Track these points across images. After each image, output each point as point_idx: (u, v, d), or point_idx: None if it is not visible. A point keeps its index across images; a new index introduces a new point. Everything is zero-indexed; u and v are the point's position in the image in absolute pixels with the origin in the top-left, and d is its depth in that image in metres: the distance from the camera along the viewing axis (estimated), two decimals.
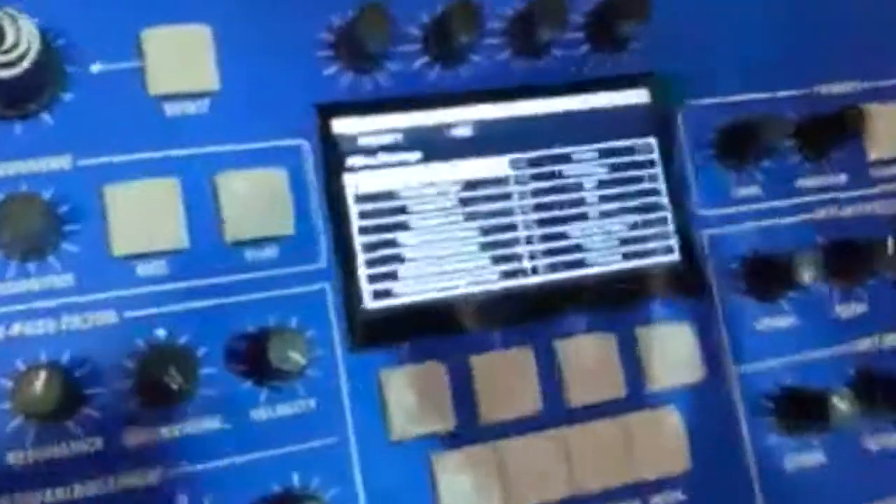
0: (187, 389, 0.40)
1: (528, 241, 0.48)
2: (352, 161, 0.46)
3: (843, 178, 0.53)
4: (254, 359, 0.43)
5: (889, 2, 0.55)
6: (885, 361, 0.52)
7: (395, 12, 0.46)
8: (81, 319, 0.42)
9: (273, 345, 0.41)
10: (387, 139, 0.47)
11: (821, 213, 0.53)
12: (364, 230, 0.46)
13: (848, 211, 0.53)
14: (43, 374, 0.38)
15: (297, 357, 0.41)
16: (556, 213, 0.49)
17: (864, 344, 0.52)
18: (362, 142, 0.47)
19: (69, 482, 0.40)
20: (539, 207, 0.49)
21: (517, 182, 0.49)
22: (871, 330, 0.52)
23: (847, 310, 0.52)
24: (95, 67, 0.44)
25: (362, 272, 0.46)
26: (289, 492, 0.42)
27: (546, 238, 0.49)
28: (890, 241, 0.49)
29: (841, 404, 0.47)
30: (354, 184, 0.46)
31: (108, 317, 0.42)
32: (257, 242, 0.44)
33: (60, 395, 0.39)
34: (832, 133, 0.51)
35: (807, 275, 0.48)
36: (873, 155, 0.54)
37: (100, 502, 0.41)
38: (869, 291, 0.52)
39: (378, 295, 0.46)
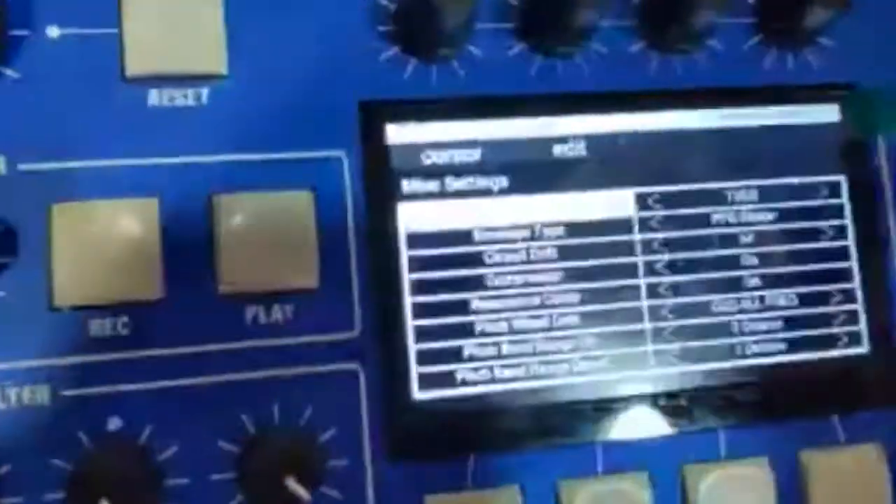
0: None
1: (655, 315, 0.34)
2: (410, 185, 0.32)
3: None
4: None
5: None
6: None
7: None
8: None
9: (267, 468, 0.27)
10: (461, 156, 0.33)
11: None
12: (420, 286, 0.32)
13: None
14: None
15: (295, 487, 0.27)
16: (698, 276, 0.34)
17: None
18: (426, 158, 0.33)
19: None
20: (673, 267, 0.34)
21: (644, 228, 0.34)
22: None
23: None
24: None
25: (411, 348, 0.32)
26: None
27: (679, 312, 0.34)
28: None
29: None
30: (411, 217, 0.32)
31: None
32: (263, 297, 0.31)
33: None
34: None
35: None
36: None
37: None
38: None
39: (432, 382, 0.32)
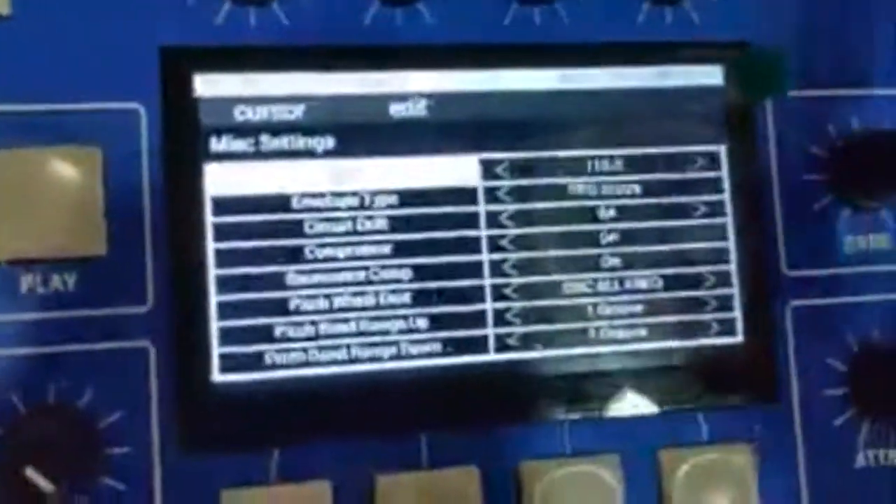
0: None
1: (499, 295, 0.30)
2: (219, 144, 0.29)
3: None
4: None
5: None
6: None
7: None
8: None
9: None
10: (280, 113, 0.29)
11: None
12: (224, 257, 0.29)
13: None
14: None
15: (36, 478, 0.24)
16: (549, 252, 0.31)
17: None
18: (239, 114, 0.29)
19: None
20: (520, 243, 0.30)
21: (490, 198, 0.30)
22: None
23: None
24: None
25: (213, 325, 0.28)
26: None
27: (526, 293, 0.30)
28: None
29: None
30: (217, 180, 0.29)
31: None
32: (41, 265, 0.27)
33: None
34: None
35: None
36: None
37: None
38: None
39: (236, 364, 0.28)
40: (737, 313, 0.31)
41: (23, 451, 0.25)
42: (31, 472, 0.24)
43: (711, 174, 0.32)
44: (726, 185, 0.32)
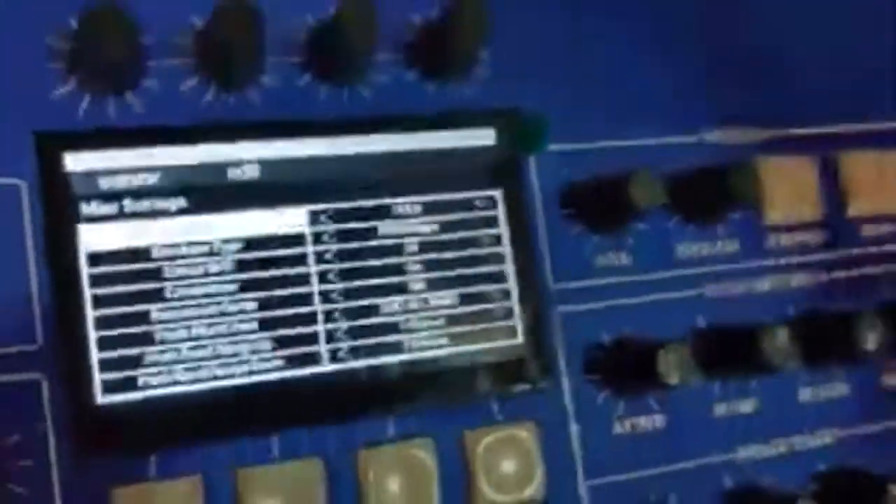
0: None
1: (328, 317, 0.37)
2: (88, 208, 0.35)
3: (734, 245, 0.44)
4: None
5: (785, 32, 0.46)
6: (780, 473, 0.42)
7: (153, 17, 0.35)
8: None
9: None
10: (138, 180, 0.36)
11: (704, 289, 0.43)
12: (99, 300, 0.35)
13: (738, 287, 0.43)
14: None
15: None
16: (367, 282, 0.38)
17: (751, 451, 0.42)
18: (104, 183, 0.36)
19: None
20: (344, 275, 0.38)
21: (316, 241, 0.38)
22: (760, 433, 0.43)
23: (729, 408, 0.42)
24: None
25: (93, 355, 0.34)
26: None
27: (351, 314, 0.38)
28: (781, 332, 0.40)
29: None
30: (91, 238, 0.35)
31: None
32: None
33: None
34: (718, 193, 0.42)
35: (675, 375, 0.38)
36: (769, 219, 0.44)
37: None
38: (757, 387, 0.43)
39: (115, 387, 0.35)
40: (517, 320, 0.40)
41: None
42: None
43: (491, 213, 0.40)
44: (502, 220, 0.40)
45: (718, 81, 0.44)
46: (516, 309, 0.40)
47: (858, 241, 0.46)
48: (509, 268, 0.40)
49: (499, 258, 0.40)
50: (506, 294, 0.40)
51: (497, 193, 0.41)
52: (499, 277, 0.40)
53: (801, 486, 0.42)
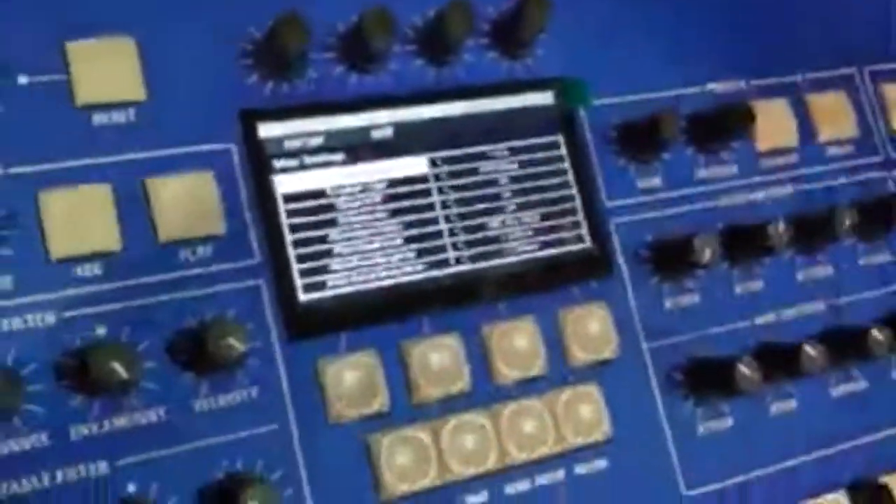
0: (131, 381, 0.42)
1: (451, 233, 0.51)
2: (279, 163, 0.49)
3: (734, 168, 0.58)
4: (194, 350, 0.44)
5: (765, 6, 0.61)
6: (783, 333, 0.56)
7: (312, 21, 0.49)
8: (21, 321, 0.43)
9: (211, 332, 0.43)
10: (311, 142, 0.50)
11: (717, 201, 0.57)
12: (294, 228, 0.48)
13: (742, 198, 0.58)
14: None
15: (235, 343, 0.43)
16: (475, 207, 0.52)
17: (764, 318, 0.56)
18: (287, 145, 0.49)
19: (17, 477, 0.41)
20: (459, 202, 0.52)
21: (437, 179, 0.52)
22: (769, 305, 0.57)
23: (746, 287, 0.56)
24: (22, 79, 0.45)
25: (294, 267, 0.48)
26: (233, 476, 0.44)
27: (467, 230, 0.52)
28: (780, 222, 0.54)
29: (747, 371, 0.51)
30: (282, 184, 0.49)
31: (48, 317, 0.43)
32: (189, 242, 0.46)
33: (5, 393, 0.40)
34: (720, 128, 0.56)
35: (706, 254, 0.52)
36: (761, 147, 0.59)
37: (48, 495, 0.42)
38: (764, 271, 0.57)
39: (310, 288, 0.48)
40: (584, 230, 0.54)
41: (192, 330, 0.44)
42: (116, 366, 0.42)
43: (557, 153, 0.54)
44: (565, 157, 0.54)
45: (714, 43, 0.59)
46: (582, 222, 0.54)
47: (825, 160, 0.60)
48: (574, 191, 0.54)
49: (566, 185, 0.54)
50: (573, 211, 0.54)
51: (559, 138, 0.55)
52: (568, 199, 0.54)
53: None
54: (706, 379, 0.53)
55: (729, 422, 0.54)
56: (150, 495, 0.43)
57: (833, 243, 0.57)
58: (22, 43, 0.46)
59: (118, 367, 0.40)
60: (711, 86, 0.58)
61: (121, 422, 0.43)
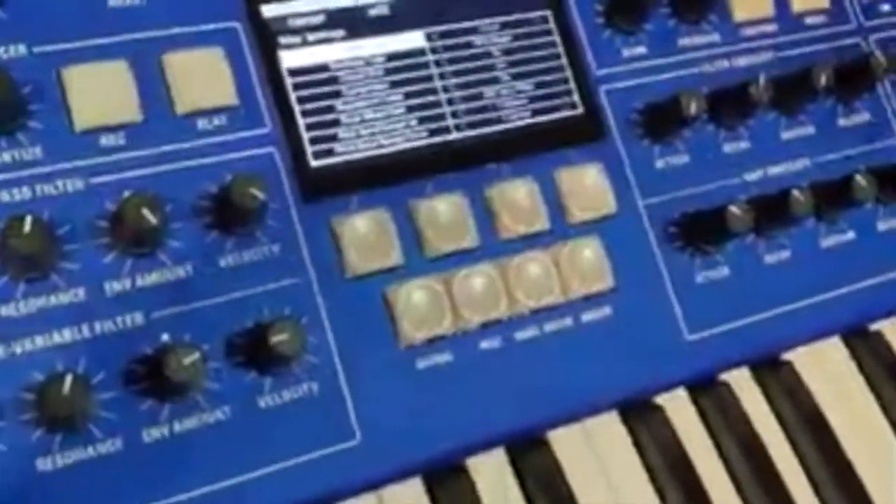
0: (160, 229, 0.44)
1: (450, 102, 0.54)
2: (283, 40, 0.52)
3: (716, 36, 0.61)
4: (218, 210, 0.47)
5: None
6: (771, 186, 0.59)
7: None
8: (52, 187, 0.45)
9: (234, 186, 0.45)
10: (312, 20, 0.52)
11: (700, 67, 0.60)
12: (301, 99, 0.51)
13: (724, 64, 0.60)
14: (28, 219, 0.41)
15: (256, 192, 0.45)
16: (471, 77, 0.55)
17: (752, 175, 0.59)
18: (291, 23, 0.52)
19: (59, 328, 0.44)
20: (455, 73, 0.54)
21: (433, 52, 0.54)
22: (756, 162, 0.59)
23: (733, 147, 0.59)
24: None
25: (304, 135, 0.51)
26: (261, 324, 0.46)
27: (464, 99, 0.54)
28: (761, 77, 0.56)
29: (737, 211, 0.54)
30: (288, 59, 0.51)
31: (77, 183, 0.46)
32: (206, 113, 0.49)
33: (43, 242, 0.42)
34: None
35: (692, 106, 0.55)
36: (737, 17, 0.62)
37: (88, 344, 0.44)
38: (750, 130, 0.60)
39: (320, 155, 0.51)
40: (576, 98, 0.57)
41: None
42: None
43: (546, 26, 0.57)
44: (554, 31, 0.57)
45: None
46: (573, 89, 0.57)
47: (800, 28, 0.63)
48: (564, 62, 0.57)
49: (557, 56, 0.57)
50: (565, 80, 0.57)
51: (548, 13, 0.57)
52: (559, 69, 0.57)
53: None
54: (701, 229, 0.56)
55: (725, 270, 0.57)
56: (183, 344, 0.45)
57: (813, 103, 0.60)
58: None
59: (149, 215, 0.43)
60: None
61: (153, 277, 0.46)
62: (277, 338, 0.44)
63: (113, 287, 0.45)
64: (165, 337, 0.45)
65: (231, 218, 0.47)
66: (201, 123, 0.49)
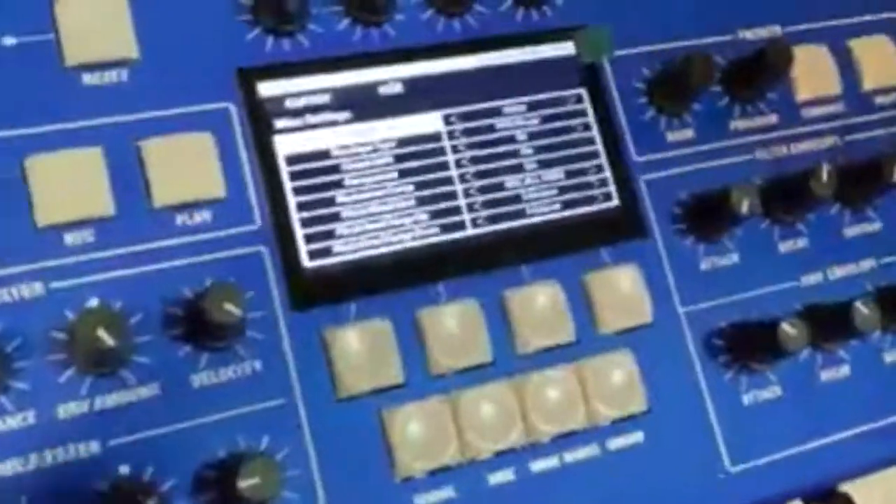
0: (122, 354, 0.39)
1: (466, 194, 0.48)
2: (280, 123, 0.46)
3: (774, 118, 0.54)
4: (191, 321, 0.42)
5: None
6: (832, 293, 0.52)
7: None
8: (6, 292, 0.40)
9: (208, 298, 0.40)
10: (315, 100, 0.47)
11: (755, 154, 0.53)
12: (298, 190, 0.45)
13: (782, 150, 0.53)
14: None
15: (232, 309, 0.40)
16: (492, 165, 0.49)
17: (811, 279, 0.52)
18: (289, 104, 0.46)
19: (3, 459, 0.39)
20: (475, 160, 0.48)
21: (451, 137, 0.48)
22: (815, 264, 0.52)
23: (789, 245, 0.52)
24: (9, 41, 0.43)
25: (298, 232, 0.45)
26: (234, 455, 0.41)
27: (484, 190, 0.48)
28: (824, 168, 0.49)
29: (791, 330, 0.47)
30: (284, 145, 0.46)
31: (35, 288, 0.41)
32: (187, 207, 0.43)
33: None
34: (757, 71, 0.52)
35: (745, 204, 0.48)
36: (801, 96, 0.55)
37: (35, 477, 0.39)
38: (810, 227, 0.53)
39: (316, 254, 0.45)
40: (611, 188, 0.50)
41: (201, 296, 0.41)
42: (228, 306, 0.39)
43: (580, 106, 0.51)
44: (589, 111, 0.51)
45: None
46: (609, 179, 0.50)
47: (871, 109, 0.56)
48: (600, 147, 0.50)
49: (591, 140, 0.50)
50: (600, 168, 0.50)
51: (582, 91, 0.51)
52: (593, 155, 0.50)
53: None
54: (749, 343, 0.49)
55: (777, 391, 0.50)
56: (144, 477, 0.40)
57: (882, 196, 0.53)
58: (8, 2, 0.43)
59: (105, 336, 0.38)
60: (744, 33, 0.54)
61: (113, 399, 0.41)
62: (247, 482, 0.38)
63: (67, 410, 0.40)
64: (124, 469, 0.40)
65: (206, 331, 0.41)
66: (181, 218, 0.43)
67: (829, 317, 0.49)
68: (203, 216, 0.44)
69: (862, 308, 0.48)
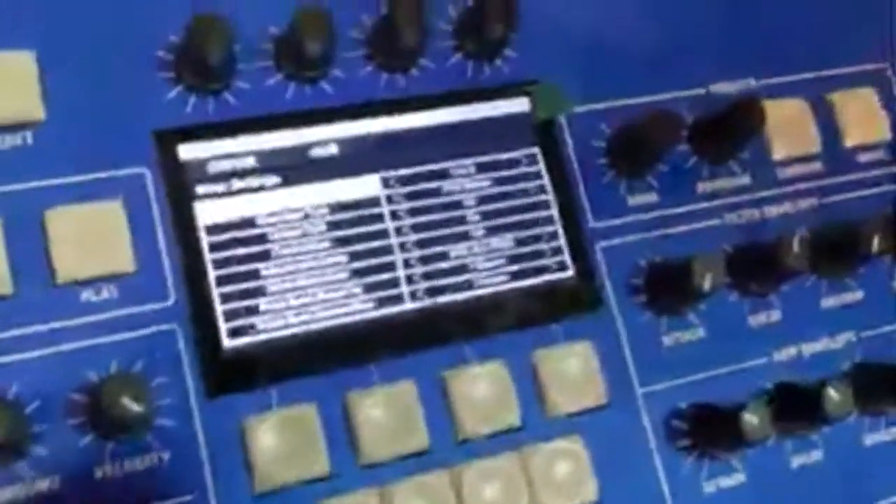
0: (14, 440, 0.35)
1: (406, 264, 0.44)
2: (202, 189, 0.42)
3: (746, 179, 0.50)
4: (95, 408, 0.38)
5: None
6: (807, 371, 0.48)
7: (241, 25, 0.42)
8: None
9: (105, 391, 0.36)
10: (240, 163, 0.43)
11: (724, 218, 0.49)
12: (218, 262, 0.42)
13: (754, 214, 0.50)
14: None
15: (129, 403, 0.36)
16: (435, 232, 0.45)
17: (783, 354, 0.48)
18: (212, 168, 0.43)
19: None
20: (416, 228, 0.45)
21: (390, 202, 0.45)
22: (789, 338, 0.48)
23: (760, 318, 0.48)
24: None
25: (218, 308, 0.41)
26: None
27: (425, 260, 0.44)
28: (796, 239, 0.46)
29: (753, 419, 0.43)
30: (205, 213, 0.42)
31: None
32: (93, 282, 0.40)
33: None
34: (728, 129, 0.48)
35: (707, 280, 0.44)
36: (777, 155, 0.51)
37: None
38: (783, 298, 0.49)
39: (237, 332, 0.41)
40: (566, 256, 0.46)
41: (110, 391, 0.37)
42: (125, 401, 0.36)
43: (534, 168, 0.47)
44: (544, 173, 0.47)
45: (717, 37, 0.51)
46: (564, 247, 0.47)
47: (853, 168, 0.52)
48: (554, 212, 0.47)
49: (545, 205, 0.47)
50: (553, 235, 0.47)
51: (536, 151, 0.47)
52: (546, 221, 0.47)
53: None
54: (712, 428, 0.45)
55: (740, 478, 0.46)
56: None
57: (863, 265, 0.49)
58: None
59: None
60: (715, 87, 0.51)
61: (6, 495, 0.37)
62: None
63: None
64: None
65: (108, 422, 0.38)
66: (85, 295, 0.40)
67: (799, 401, 0.45)
68: (110, 292, 0.40)
69: (833, 394, 0.44)
